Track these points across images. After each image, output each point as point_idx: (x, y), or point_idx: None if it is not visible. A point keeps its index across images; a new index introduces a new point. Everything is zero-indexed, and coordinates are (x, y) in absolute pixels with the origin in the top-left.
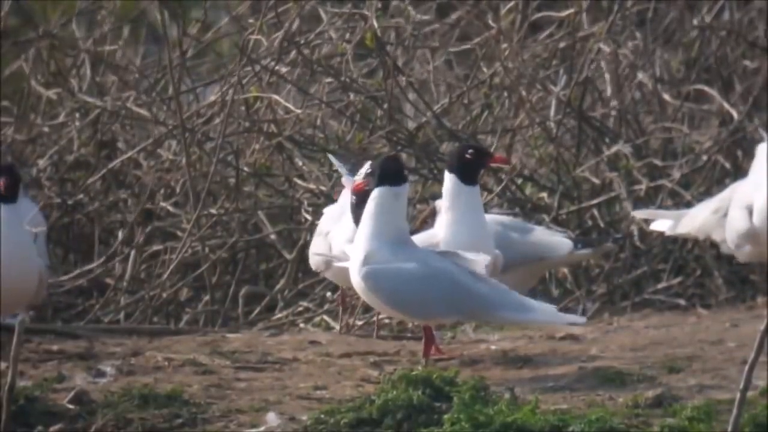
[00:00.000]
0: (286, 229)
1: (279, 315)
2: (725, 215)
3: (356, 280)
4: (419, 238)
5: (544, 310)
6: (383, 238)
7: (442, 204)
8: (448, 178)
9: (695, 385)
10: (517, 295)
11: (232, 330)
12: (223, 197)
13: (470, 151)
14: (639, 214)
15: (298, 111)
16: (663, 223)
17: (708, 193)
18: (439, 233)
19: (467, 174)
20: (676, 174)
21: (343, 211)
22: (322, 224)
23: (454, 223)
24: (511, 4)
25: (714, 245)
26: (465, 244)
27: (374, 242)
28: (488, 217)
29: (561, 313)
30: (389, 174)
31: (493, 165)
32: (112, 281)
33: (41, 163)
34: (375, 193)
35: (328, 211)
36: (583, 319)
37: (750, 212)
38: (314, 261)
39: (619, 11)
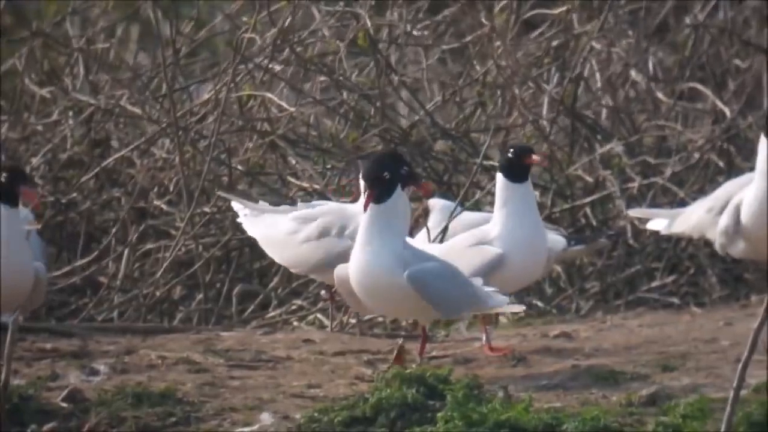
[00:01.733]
0: None
1: (272, 313)
2: (719, 214)
3: (391, 282)
4: (471, 236)
5: (498, 297)
6: (400, 240)
7: (495, 202)
8: (498, 178)
9: (689, 384)
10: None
11: (226, 328)
12: (217, 196)
13: (512, 150)
14: (634, 213)
15: (292, 109)
16: (658, 222)
17: (701, 191)
18: (492, 231)
19: (513, 172)
20: (669, 172)
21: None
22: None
23: (507, 220)
24: (504, 2)
25: (708, 244)
26: (519, 241)
27: (395, 245)
28: (480, 215)
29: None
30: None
31: (530, 163)
32: (106, 280)
33: (34, 161)
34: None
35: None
36: (522, 307)
37: (738, 208)
38: (316, 262)
39: (611, 9)
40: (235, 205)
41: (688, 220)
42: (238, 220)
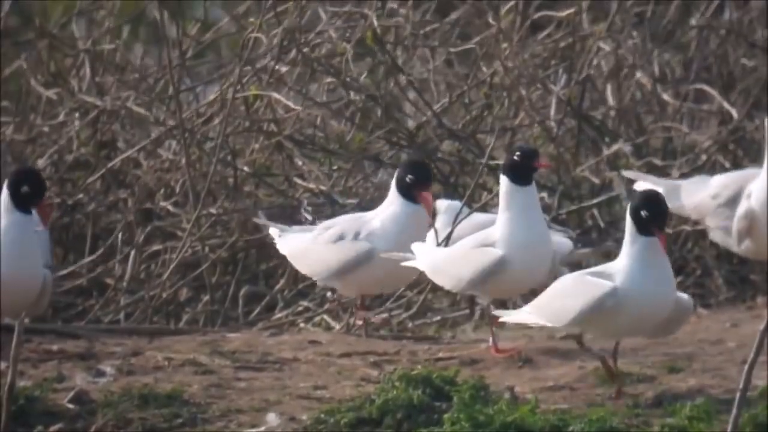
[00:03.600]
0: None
1: (279, 315)
2: (725, 205)
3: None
4: (474, 239)
5: None
6: None
7: (499, 204)
8: (502, 180)
9: (695, 385)
10: None
11: (232, 330)
12: (223, 197)
13: (518, 153)
14: (627, 174)
15: (298, 109)
16: (649, 186)
17: None
18: (495, 233)
19: (517, 175)
20: (676, 173)
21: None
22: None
23: (510, 223)
24: (511, 3)
25: (714, 245)
26: (522, 244)
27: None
28: (488, 217)
29: None
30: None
31: (537, 167)
32: (112, 281)
33: (41, 162)
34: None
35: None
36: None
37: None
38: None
39: (618, 11)
40: (272, 230)
41: (689, 198)
42: (275, 242)
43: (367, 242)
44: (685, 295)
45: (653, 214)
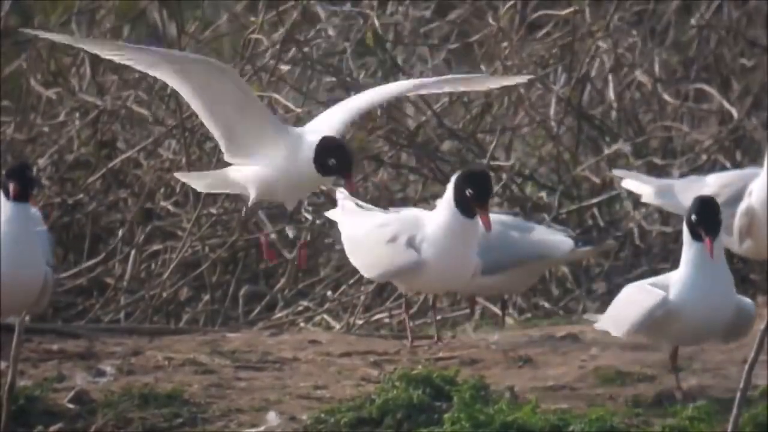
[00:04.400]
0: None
1: (279, 314)
2: (724, 203)
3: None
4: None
5: None
6: None
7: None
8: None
9: (696, 385)
10: None
11: (232, 329)
12: (224, 197)
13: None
14: (617, 173)
15: (299, 110)
16: (639, 186)
17: None
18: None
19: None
20: (676, 173)
21: None
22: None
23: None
24: (510, 3)
25: None
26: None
27: None
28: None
29: None
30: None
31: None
32: (112, 281)
33: (41, 162)
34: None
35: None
36: None
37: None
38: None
39: (617, 10)
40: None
41: (686, 197)
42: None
43: (416, 252)
44: (747, 300)
45: (701, 219)
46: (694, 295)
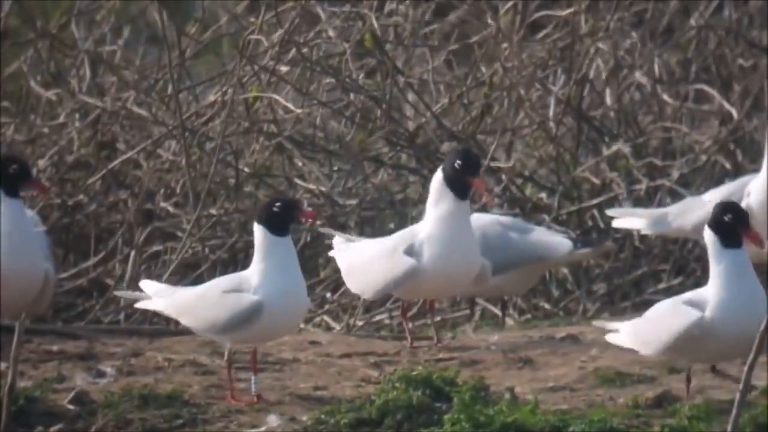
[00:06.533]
0: None
1: None
2: None
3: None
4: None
5: None
6: None
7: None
8: (257, 230)
9: (695, 386)
10: None
11: None
12: (223, 197)
13: (277, 205)
14: (610, 213)
15: (299, 111)
16: (634, 222)
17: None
18: (252, 279)
19: (273, 225)
20: (676, 174)
21: None
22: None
23: (267, 272)
24: (510, 3)
25: None
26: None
27: None
28: (489, 217)
29: None
30: None
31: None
32: (113, 281)
33: (41, 163)
34: None
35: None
36: None
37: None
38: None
39: (617, 10)
40: (335, 240)
41: (686, 220)
42: (332, 253)
43: (416, 257)
44: None
45: (736, 216)
46: (731, 313)
